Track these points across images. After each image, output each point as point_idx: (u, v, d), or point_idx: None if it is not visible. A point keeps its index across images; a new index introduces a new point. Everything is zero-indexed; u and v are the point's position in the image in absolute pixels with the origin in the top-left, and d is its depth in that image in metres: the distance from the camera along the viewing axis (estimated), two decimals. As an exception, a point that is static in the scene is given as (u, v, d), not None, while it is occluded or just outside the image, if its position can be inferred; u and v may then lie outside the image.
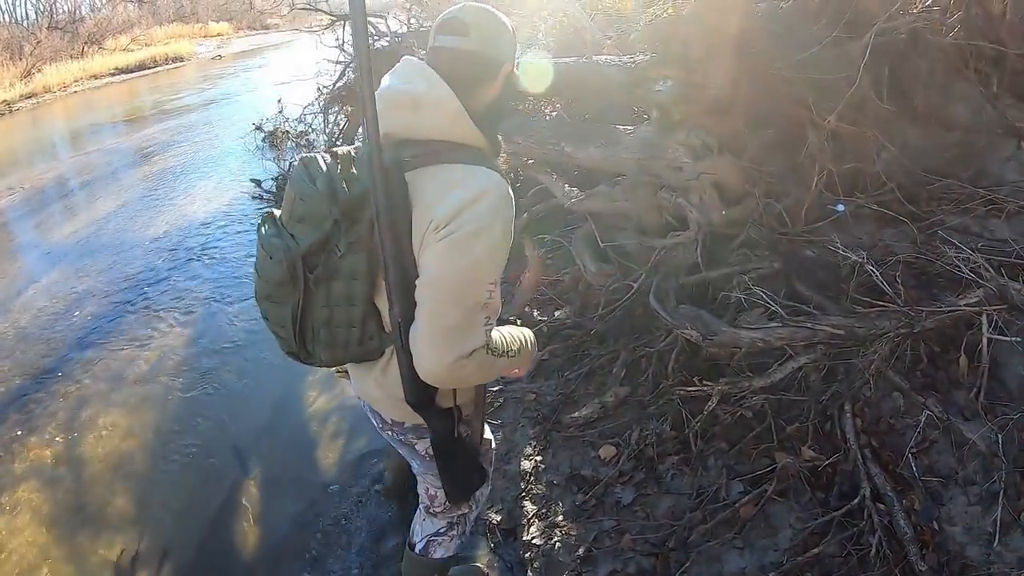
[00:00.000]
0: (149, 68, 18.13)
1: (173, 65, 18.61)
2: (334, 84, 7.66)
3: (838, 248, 3.27)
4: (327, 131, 7.82)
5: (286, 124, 8.97)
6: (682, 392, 3.15)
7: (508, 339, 1.65)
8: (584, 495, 3.05)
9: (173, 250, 6.50)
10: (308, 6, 7.87)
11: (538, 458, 3.31)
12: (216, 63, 18.64)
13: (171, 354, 4.69)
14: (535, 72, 3.70)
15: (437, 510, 2.15)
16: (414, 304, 1.48)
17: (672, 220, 3.78)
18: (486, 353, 1.51)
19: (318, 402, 4.04)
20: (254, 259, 1.63)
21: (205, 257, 6.27)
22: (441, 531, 2.20)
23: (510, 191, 1.56)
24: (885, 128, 3.48)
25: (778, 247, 3.53)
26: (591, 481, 3.12)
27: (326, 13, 7.64)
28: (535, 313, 4.10)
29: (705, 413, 3.08)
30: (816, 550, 2.49)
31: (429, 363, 1.47)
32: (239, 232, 6.86)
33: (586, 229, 4.09)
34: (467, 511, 2.19)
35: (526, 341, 1.78)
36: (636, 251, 3.86)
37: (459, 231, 1.43)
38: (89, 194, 8.60)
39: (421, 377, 1.50)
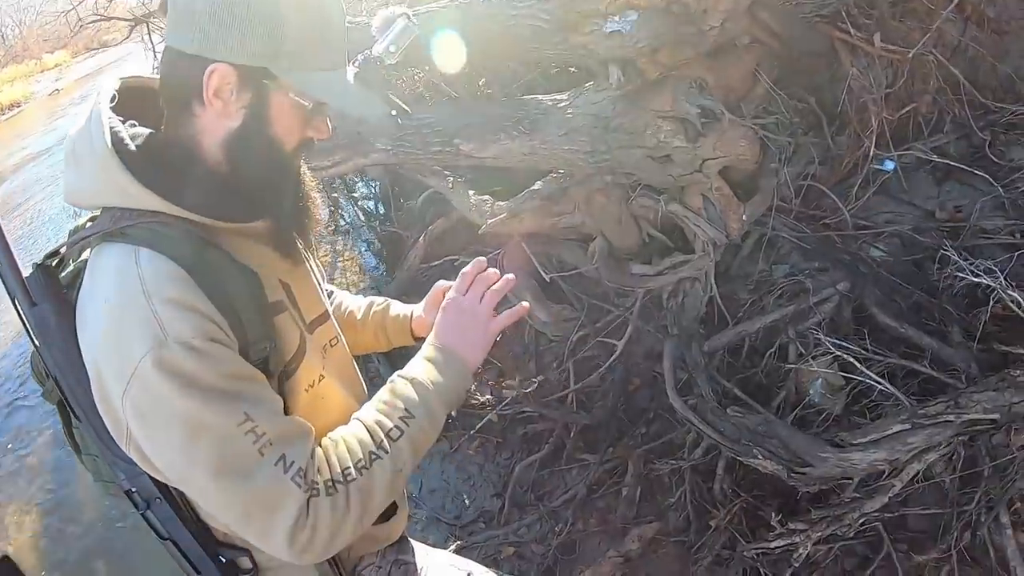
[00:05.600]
0: (-16, 124, 15.17)
1: (12, 113, 15.99)
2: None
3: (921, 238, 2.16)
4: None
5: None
6: (757, 549, 2.02)
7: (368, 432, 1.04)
8: None
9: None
10: (99, 16, 5.57)
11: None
12: (56, 98, 16.07)
13: None
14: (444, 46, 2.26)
15: None
16: None
17: (658, 235, 2.48)
18: (331, 490, 0.96)
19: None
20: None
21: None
22: None
23: (181, 276, 0.93)
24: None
25: (827, 250, 2.33)
26: None
27: (121, 19, 5.42)
28: (473, 391, 2.77)
29: (796, 564, 2.01)
30: None
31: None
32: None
33: (516, 251, 2.71)
34: None
35: (415, 405, 1.08)
36: (605, 284, 2.57)
37: (135, 434, 0.91)
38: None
39: None
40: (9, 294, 0.99)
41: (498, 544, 2.40)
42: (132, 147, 0.96)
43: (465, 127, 2.52)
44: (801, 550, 1.99)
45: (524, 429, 2.62)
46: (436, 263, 3.07)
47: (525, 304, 1.25)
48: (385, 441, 1.03)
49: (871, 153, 2.35)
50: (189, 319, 0.90)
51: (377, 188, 4.26)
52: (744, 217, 2.33)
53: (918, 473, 1.95)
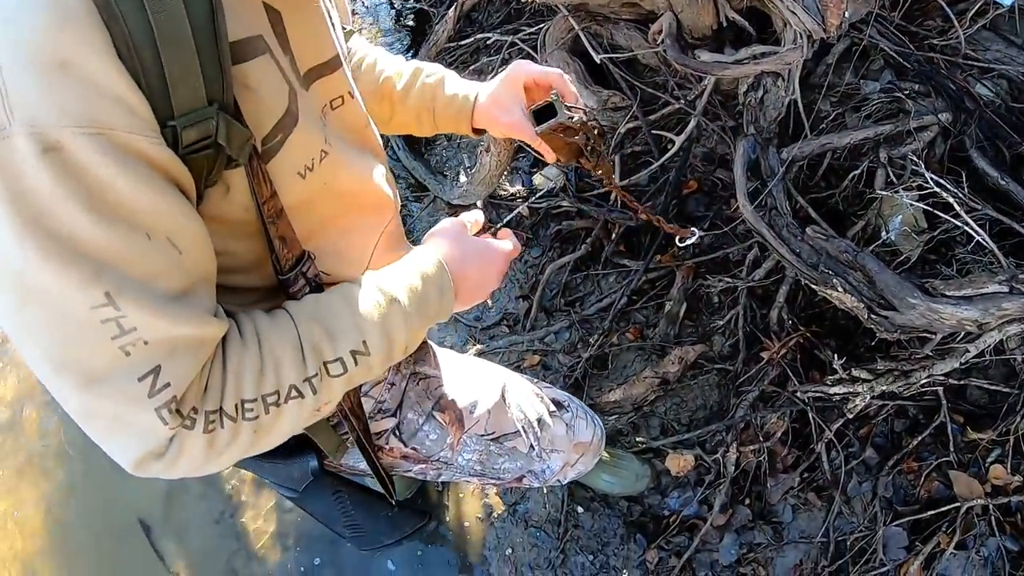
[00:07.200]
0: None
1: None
2: None
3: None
4: None
5: None
6: (813, 392, 1.86)
7: (305, 342, 0.72)
8: (656, 550, 1.93)
9: None
10: None
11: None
12: None
13: None
14: None
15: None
16: None
17: (739, 20, 2.12)
18: (213, 425, 0.66)
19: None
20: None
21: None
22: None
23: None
24: None
25: (931, 73, 1.98)
26: (658, 519, 1.95)
27: None
28: (504, 185, 2.48)
29: (850, 416, 1.86)
30: None
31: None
32: None
33: (561, 30, 2.34)
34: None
35: (385, 312, 0.79)
36: (663, 74, 2.24)
37: None
38: None
39: None
40: None
41: (522, 351, 2.23)
42: None
43: None
44: (859, 401, 1.81)
45: (558, 226, 2.34)
46: (466, 42, 2.69)
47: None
48: (320, 374, 0.73)
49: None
50: (63, 87, 0.53)
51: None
52: (846, 13, 1.96)
53: (992, 344, 1.74)
